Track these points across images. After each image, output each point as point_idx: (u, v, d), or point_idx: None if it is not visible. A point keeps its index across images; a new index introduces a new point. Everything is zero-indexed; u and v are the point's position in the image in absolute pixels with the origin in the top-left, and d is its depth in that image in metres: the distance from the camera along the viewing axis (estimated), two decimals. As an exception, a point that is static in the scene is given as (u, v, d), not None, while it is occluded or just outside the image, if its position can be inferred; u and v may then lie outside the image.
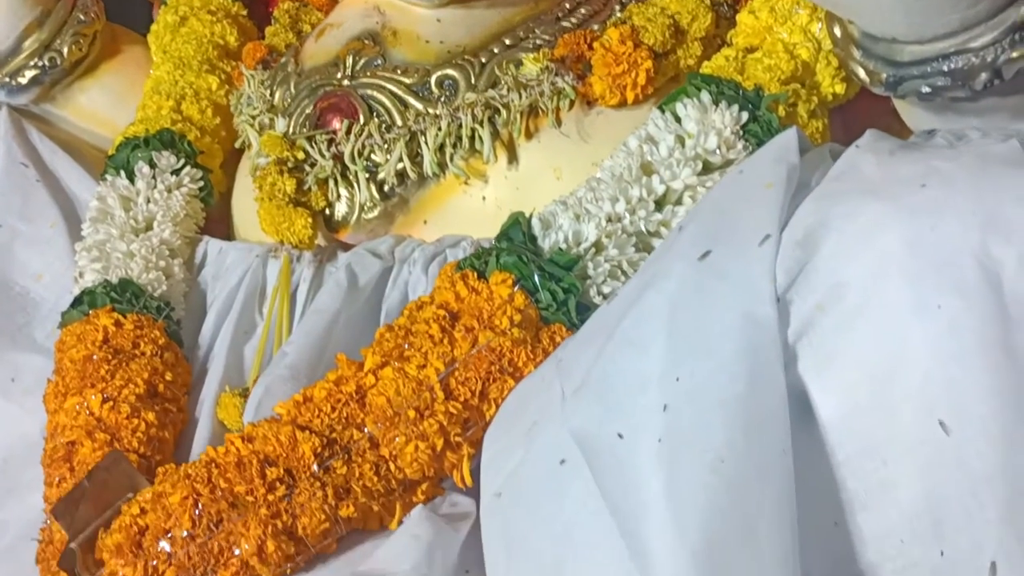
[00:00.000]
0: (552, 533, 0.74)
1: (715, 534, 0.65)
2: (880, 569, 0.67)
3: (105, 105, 1.35)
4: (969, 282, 0.66)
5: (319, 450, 0.84)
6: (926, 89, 0.85)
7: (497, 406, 0.87)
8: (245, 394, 1.01)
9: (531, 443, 0.78)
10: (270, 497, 0.83)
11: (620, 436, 0.72)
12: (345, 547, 0.88)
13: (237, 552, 0.82)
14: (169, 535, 0.82)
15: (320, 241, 1.11)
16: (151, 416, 0.99)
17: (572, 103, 1.05)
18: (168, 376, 1.04)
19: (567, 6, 1.12)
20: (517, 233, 0.93)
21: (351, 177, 1.08)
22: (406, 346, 0.88)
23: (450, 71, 1.07)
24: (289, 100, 1.15)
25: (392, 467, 0.86)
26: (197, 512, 0.82)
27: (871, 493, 0.68)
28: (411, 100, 1.07)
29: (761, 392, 0.68)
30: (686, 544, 0.65)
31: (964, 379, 0.65)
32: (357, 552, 0.87)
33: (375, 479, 0.85)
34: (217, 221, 1.26)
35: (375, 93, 1.08)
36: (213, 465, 0.84)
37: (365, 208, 1.08)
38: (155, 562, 0.82)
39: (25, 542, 0.99)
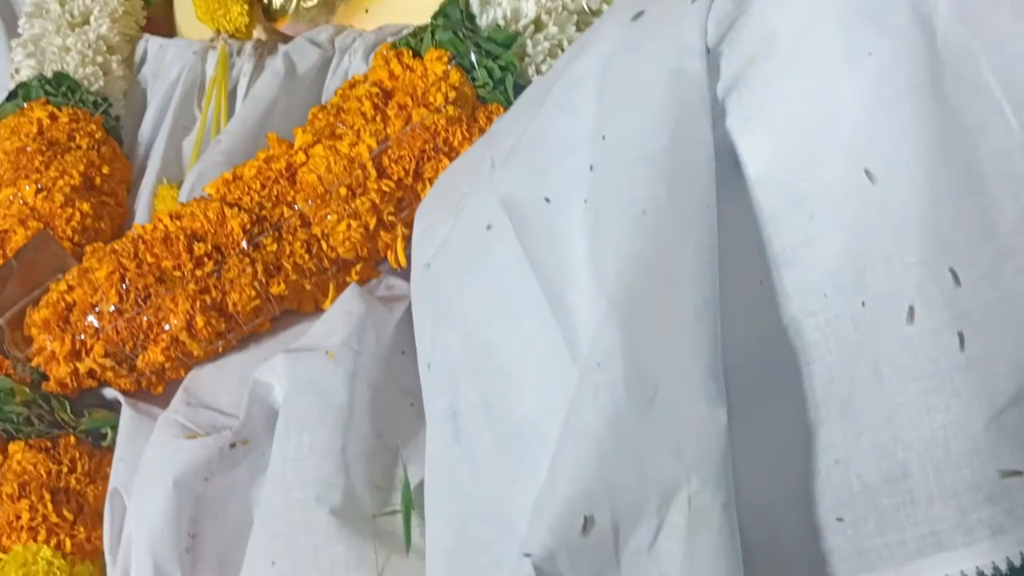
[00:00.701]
0: (478, 298, 0.73)
1: (634, 284, 0.64)
2: (803, 324, 0.66)
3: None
4: (901, 26, 0.64)
5: (248, 226, 0.83)
6: None
7: (432, 185, 0.85)
8: (182, 186, 1.00)
9: (460, 213, 0.77)
10: (198, 272, 0.82)
11: (547, 200, 0.71)
12: (279, 328, 0.88)
13: (167, 327, 0.81)
14: (96, 310, 0.81)
15: (261, 35, 1.08)
16: (86, 207, 0.97)
17: None
18: (105, 169, 1.02)
19: None
20: (454, 11, 0.90)
21: (289, -38, 1.04)
22: (339, 124, 0.86)
23: None
24: None
25: (324, 246, 0.85)
26: (124, 287, 0.81)
27: (796, 249, 0.67)
28: None
29: (686, 145, 0.67)
30: (605, 294, 0.64)
31: (891, 125, 0.63)
32: (291, 332, 0.87)
33: (306, 257, 0.84)
34: (162, 24, 1.23)
35: None
36: (140, 241, 0.83)
37: (304, -5, 1.04)
38: (82, 336, 0.82)
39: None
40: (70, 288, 0.83)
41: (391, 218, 0.85)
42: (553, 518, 0.60)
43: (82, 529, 0.81)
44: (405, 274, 0.88)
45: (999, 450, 0.60)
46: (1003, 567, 0.60)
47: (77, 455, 0.81)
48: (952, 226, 0.62)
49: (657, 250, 0.65)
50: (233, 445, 0.78)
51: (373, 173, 0.84)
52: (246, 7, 1.03)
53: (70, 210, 0.96)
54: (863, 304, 0.64)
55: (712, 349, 0.64)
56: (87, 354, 0.82)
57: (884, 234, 0.63)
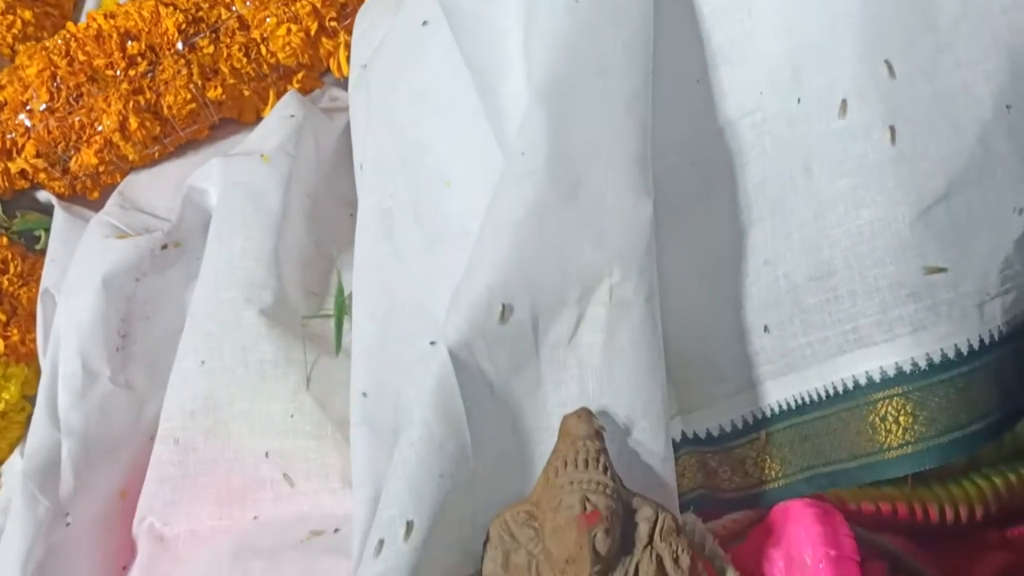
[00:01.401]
0: (410, 93, 0.72)
1: (563, 73, 0.62)
2: (738, 124, 0.65)
3: None
4: None
5: (183, 26, 0.80)
6: None
7: (376, -8, 0.83)
8: (127, -5, 0.97)
9: (398, 11, 0.75)
10: (131, 72, 0.80)
11: (484, -7, 0.69)
12: (218, 136, 0.86)
13: (99, 128, 0.80)
14: (27, 108, 0.80)
15: None
16: (28, 15, 0.94)
17: None
18: (51, -23, 1.00)
19: None
20: None
21: None
22: (281, -75, 0.83)
23: None
24: None
25: (263, 50, 0.82)
26: (55, 84, 0.79)
27: (735, 45, 0.65)
28: None
29: (624, -67, 0.64)
30: (533, 84, 0.62)
31: (834, -88, 0.61)
32: (230, 141, 0.85)
33: (244, 61, 0.82)
34: None
35: None
36: (72, 39, 0.80)
37: None
38: (13, 135, 0.80)
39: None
40: (1, 87, 0.81)
41: (333, 24, 0.82)
42: (470, 306, 0.60)
43: (16, 331, 0.80)
44: (345, 84, 0.86)
45: (925, 247, 0.59)
46: (922, 363, 0.60)
47: (10, 256, 0.80)
48: (890, 17, 0.60)
49: (589, 39, 0.63)
50: (165, 247, 0.77)
51: (315, -25, 0.81)
52: None
53: (11, 17, 0.94)
54: (798, 101, 0.63)
55: (642, 141, 0.62)
56: (18, 153, 0.80)
57: (822, 27, 0.61)
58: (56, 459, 0.73)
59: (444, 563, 0.61)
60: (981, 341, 0.60)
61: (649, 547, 0.60)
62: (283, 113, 0.81)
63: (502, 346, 0.61)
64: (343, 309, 0.76)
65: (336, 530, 0.69)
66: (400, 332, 0.68)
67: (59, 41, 0.80)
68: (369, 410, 0.66)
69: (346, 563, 0.65)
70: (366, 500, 0.65)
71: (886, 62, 0.60)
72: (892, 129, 0.59)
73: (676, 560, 0.60)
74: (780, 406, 0.66)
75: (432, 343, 0.61)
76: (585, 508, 0.59)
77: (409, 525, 0.59)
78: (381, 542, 0.58)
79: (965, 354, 0.60)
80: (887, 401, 0.61)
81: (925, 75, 0.60)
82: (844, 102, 0.60)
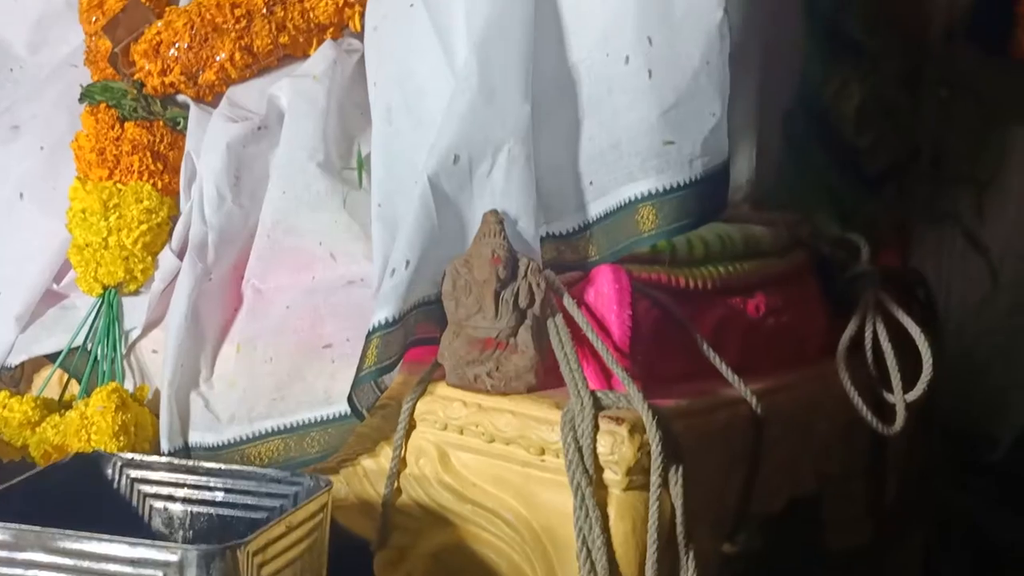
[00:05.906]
0: (405, 46, 1.28)
1: (486, 32, 1.19)
2: (578, 66, 1.23)
3: None
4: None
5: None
6: None
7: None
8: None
9: (396, -7, 1.31)
10: (237, 26, 1.34)
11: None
12: (284, 64, 1.41)
13: (218, 58, 1.35)
14: (176, 45, 1.34)
15: None
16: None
17: None
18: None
19: None
20: None
21: None
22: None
23: None
24: None
25: (311, 14, 1.37)
26: (192, 32, 1.34)
27: (578, 25, 1.23)
28: None
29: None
30: (471, 39, 1.19)
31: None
32: (292, 67, 1.40)
33: (300, 20, 1.37)
34: None
35: None
36: (202, 5, 1.35)
37: None
38: (168, 63, 1.35)
39: (67, 68, 1.51)
40: (159, 32, 1.35)
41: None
42: (438, 155, 1.17)
43: (167, 177, 1.35)
44: (359, 36, 1.41)
45: (664, 130, 1.18)
46: (662, 189, 1.18)
47: (164, 132, 1.35)
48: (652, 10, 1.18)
49: (500, 10, 1.19)
50: (259, 128, 1.33)
51: (343, -29, 1.36)
52: None
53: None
54: (607, 55, 1.21)
55: (527, 75, 1.20)
56: (170, 72, 1.35)
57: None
58: (205, 242, 1.29)
59: (424, 288, 1.17)
60: (689, 180, 1.19)
61: (524, 277, 1.18)
62: (324, 52, 1.36)
63: (454, 177, 1.18)
64: (361, 164, 1.32)
65: (362, 279, 1.26)
66: (399, 172, 1.24)
67: (194, 6, 1.35)
68: (381, 214, 1.23)
69: (369, 291, 1.23)
70: (381, 260, 1.22)
71: (647, 37, 1.18)
72: (649, 71, 1.18)
73: (538, 285, 1.19)
74: (598, 216, 1.24)
75: (415, 182, 1.18)
76: (493, 255, 1.17)
77: (407, 262, 1.16)
78: (393, 270, 1.16)
79: (682, 185, 1.18)
80: (644, 207, 1.19)
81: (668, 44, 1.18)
82: (627, 56, 1.18)
